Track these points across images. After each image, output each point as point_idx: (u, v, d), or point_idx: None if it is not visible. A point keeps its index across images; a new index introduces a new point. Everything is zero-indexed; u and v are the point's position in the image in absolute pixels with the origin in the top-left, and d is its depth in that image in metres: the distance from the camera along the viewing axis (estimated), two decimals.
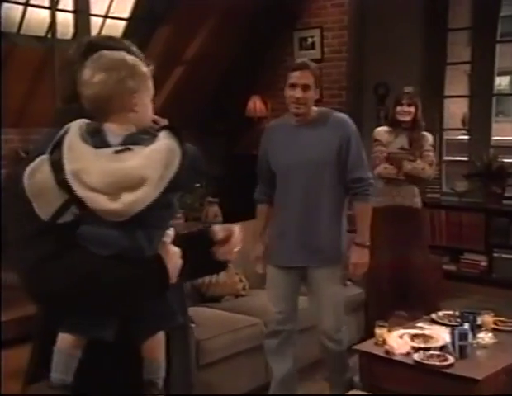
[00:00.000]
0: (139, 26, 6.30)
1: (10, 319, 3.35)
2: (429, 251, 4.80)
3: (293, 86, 3.24)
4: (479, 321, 3.33)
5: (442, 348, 3.06)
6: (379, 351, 3.10)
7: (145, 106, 1.48)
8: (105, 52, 1.48)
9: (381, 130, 4.67)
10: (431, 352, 2.99)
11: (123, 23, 6.30)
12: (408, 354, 3.03)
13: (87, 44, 1.56)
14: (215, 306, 4.14)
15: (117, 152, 1.37)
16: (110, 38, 1.62)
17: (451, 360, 2.93)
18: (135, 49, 1.62)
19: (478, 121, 6.31)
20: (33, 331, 1.53)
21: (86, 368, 1.38)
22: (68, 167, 1.33)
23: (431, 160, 4.58)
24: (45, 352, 1.40)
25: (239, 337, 3.80)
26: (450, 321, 3.39)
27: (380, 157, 4.56)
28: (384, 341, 3.13)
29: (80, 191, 1.33)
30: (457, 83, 7.55)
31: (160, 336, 1.46)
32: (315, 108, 3.34)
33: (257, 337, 3.77)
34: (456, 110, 7.58)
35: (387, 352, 3.06)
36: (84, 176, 1.33)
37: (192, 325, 3.55)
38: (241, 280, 4.41)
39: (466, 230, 6.00)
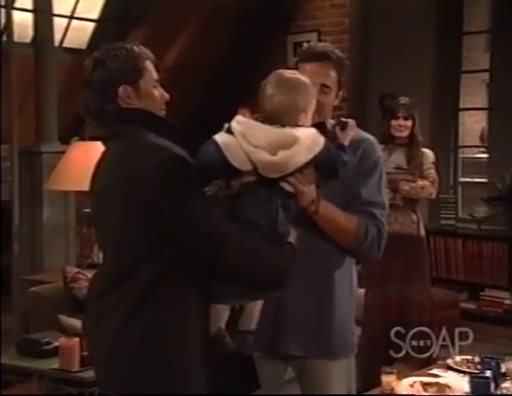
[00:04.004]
0: (110, 29, 6.31)
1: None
2: (430, 285, 4.74)
3: None
4: (503, 368, 3.26)
5: None
6: None
7: (307, 121, 2.15)
8: (285, 76, 2.15)
9: None
10: None
11: (92, 25, 6.30)
12: None
13: (95, 60, 2.01)
14: None
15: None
16: (108, 49, 2.04)
17: None
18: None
19: (499, 137, 6.30)
20: None
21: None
22: (236, 129, 2.04)
23: (433, 178, 4.56)
24: None
25: None
26: (469, 367, 3.32)
27: None
28: (392, 390, 3.06)
29: (246, 147, 2.01)
30: (474, 94, 7.58)
31: None
32: (331, 121, 2.55)
33: None
34: (473, 124, 7.62)
35: None
36: (250, 137, 2.02)
37: None
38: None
39: (487, 262, 5.95)
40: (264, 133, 2.05)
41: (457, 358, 3.43)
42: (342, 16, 6.76)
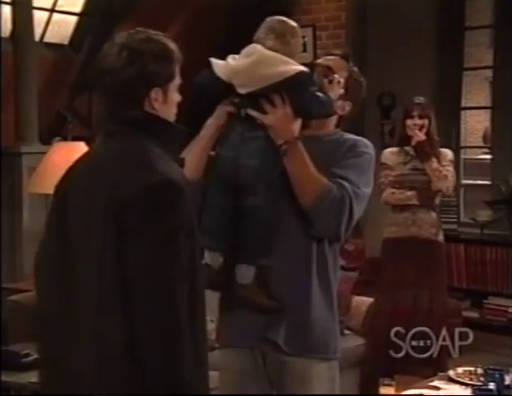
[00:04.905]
0: (94, 23, 6.30)
1: None
2: (447, 293, 4.77)
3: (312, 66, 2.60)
4: (507, 380, 3.27)
5: None
6: None
7: None
8: (275, 21, 2.39)
9: (387, 152, 4.73)
10: None
11: (74, 19, 6.29)
12: None
13: (129, 52, 1.86)
14: None
15: None
16: (144, 39, 1.90)
17: None
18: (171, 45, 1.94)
19: (503, 137, 6.31)
20: None
21: None
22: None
23: (452, 174, 4.61)
24: None
25: None
26: (471, 379, 3.33)
27: (385, 182, 4.60)
28: None
29: (229, 61, 2.35)
30: (476, 92, 7.60)
31: None
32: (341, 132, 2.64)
33: None
34: (476, 124, 7.64)
35: None
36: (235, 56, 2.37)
37: None
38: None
39: (491, 269, 5.96)
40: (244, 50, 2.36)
41: (459, 369, 3.43)
42: (338, 11, 6.76)
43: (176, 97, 1.97)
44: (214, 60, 2.38)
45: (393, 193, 4.60)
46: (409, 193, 4.59)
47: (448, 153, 4.73)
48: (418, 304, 4.53)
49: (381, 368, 4.14)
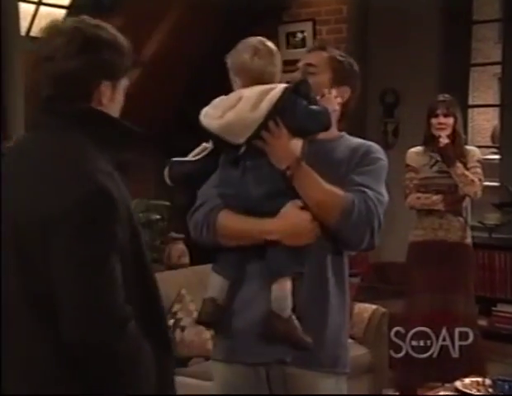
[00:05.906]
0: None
1: None
2: (474, 300, 4.82)
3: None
4: None
5: None
6: None
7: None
8: (259, 42, 2.41)
9: (412, 152, 4.78)
10: None
11: (62, 12, 6.29)
12: None
13: (83, 37, 1.78)
14: (181, 372, 4.05)
15: None
16: (98, 26, 1.84)
17: None
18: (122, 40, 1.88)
19: None
20: None
21: None
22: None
23: (479, 177, 4.64)
24: None
25: None
26: (479, 391, 3.33)
27: (410, 186, 4.65)
28: None
29: (201, 118, 2.35)
30: (484, 89, 7.60)
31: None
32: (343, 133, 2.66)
33: None
34: (484, 122, 7.64)
35: None
36: (210, 110, 2.37)
37: None
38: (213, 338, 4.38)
39: (500, 274, 5.96)
40: (221, 101, 2.38)
41: (467, 380, 3.44)
42: (339, 4, 6.77)
43: (121, 98, 1.91)
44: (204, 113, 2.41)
45: (418, 198, 4.65)
46: (435, 198, 4.63)
47: (475, 153, 4.76)
48: (448, 307, 4.59)
49: (412, 372, 4.18)
